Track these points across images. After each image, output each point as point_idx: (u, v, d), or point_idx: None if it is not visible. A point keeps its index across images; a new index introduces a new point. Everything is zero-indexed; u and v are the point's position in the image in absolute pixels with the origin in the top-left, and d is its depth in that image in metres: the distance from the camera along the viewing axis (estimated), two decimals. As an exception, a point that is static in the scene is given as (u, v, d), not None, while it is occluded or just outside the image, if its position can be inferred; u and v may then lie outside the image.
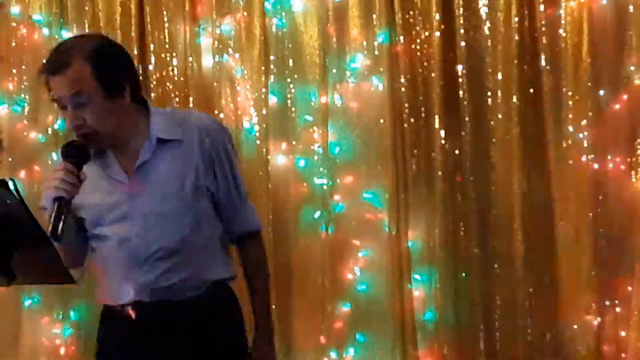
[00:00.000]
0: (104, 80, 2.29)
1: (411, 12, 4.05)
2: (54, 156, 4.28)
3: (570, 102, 3.92)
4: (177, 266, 2.40)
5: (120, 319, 2.44)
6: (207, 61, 4.25)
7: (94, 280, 2.60)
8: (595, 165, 3.90)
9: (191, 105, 4.18)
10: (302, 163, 4.15)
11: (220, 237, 2.51)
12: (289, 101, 4.16)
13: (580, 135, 3.91)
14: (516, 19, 3.94)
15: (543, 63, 3.96)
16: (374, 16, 4.08)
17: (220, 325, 2.46)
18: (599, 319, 3.88)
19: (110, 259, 2.44)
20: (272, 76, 4.16)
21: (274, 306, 4.01)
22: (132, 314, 2.41)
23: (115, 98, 2.32)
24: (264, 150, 4.10)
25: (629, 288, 3.87)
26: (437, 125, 4.01)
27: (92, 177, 2.38)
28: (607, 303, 3.87)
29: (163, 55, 4.23)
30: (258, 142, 4.13)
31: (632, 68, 3.88)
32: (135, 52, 4.20)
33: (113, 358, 2.49)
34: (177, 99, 4.19)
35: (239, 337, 2.53)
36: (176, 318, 2.40)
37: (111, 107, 2.31)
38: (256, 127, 4.12)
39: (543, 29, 3.95)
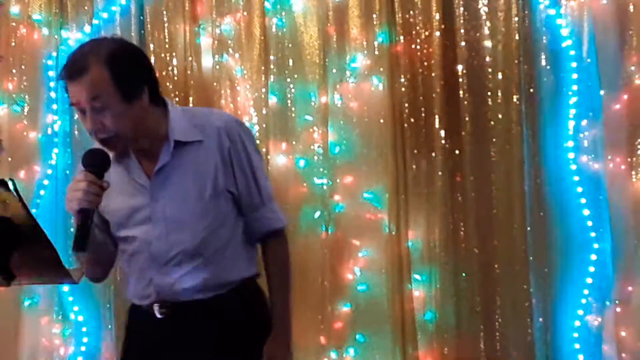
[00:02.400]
0: (122, 84, 2.27)
1: (411, 12, 4.06)
2: (54, 156, 4.29)
3: (570, 102, 3.93)
4: (197, 268, 2.40)
5: (145, 316, 2.46)
6: (207, 61, 4.25)
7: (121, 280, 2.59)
8: (595, 165, 3.90)
9: (191, 105, 4.18)
10: (302, 163, 4.15)
11: (243, 236, 2.49)
12: (289, 101, 4.16)
13: (581, 135, 3.91)
14: (516, 19, 3.95)
15: (543, 63, 3.96)
16: (374, 16, 4.08)
17: (241, 323, 2.44)
18: (599, 319, 3.88)
19: (134, 260, 2.45)
20: (272, 76, 4.16)
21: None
22: (156, 312, 2.42)
23: (133, 101, 2.29)
24: (264, 150, 4.10)
25: (629, 288, 3.87)
26: (437, 125, 4.01)
27: (117, 180, 2.38)
28: (607, 303, 3.87)
29: (163, 55, 4.23)
30: (258, 142, 4.12)
31: (633, 68, 3.88)
32: (135, 52, 4.19)
33: (137, 353, 2.50)
34: (177, 99, 4.19)
35: (258, 335, 2.48)
36: (197, 317, 2.41)
37: (130, 111, 2.29)
38: (256, 127, 4.12)
39: (543, 29, 3.96)
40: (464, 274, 4.01)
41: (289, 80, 4.16)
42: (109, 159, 2.31)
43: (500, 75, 3.96)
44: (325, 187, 4.11)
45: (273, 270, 2.52)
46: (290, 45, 4.17)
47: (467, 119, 3.99)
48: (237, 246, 2.47)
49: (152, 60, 4.20)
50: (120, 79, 2.26)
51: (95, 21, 4.30)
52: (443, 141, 4.01)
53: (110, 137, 2.30)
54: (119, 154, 2.40)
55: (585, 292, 3.89)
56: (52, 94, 4.33)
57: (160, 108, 2.41)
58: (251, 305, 2.48)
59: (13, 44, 4.33)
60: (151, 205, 2.39)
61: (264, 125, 4.13)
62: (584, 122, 3.91)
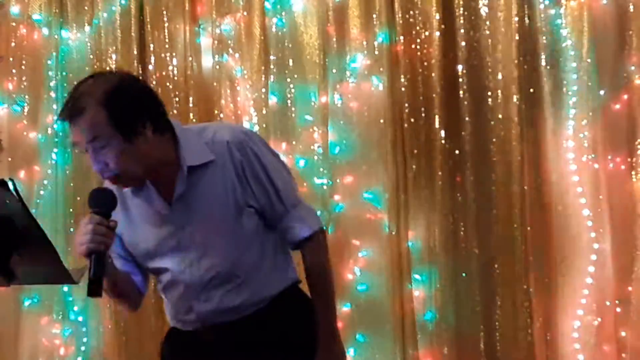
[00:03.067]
0: (120, 123, 2.21)
1: (411, 12, 4.05)
2: (54, 156, 4.29)
3: (570, 102, 3.93)
4: (235, 289, 2.37)
5: (189, 340, 2.44)
6: (207, 61, 4.25)
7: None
8: (595, 165, 3.90)
9: (191, 105, 4.18)
10: (302, 163, 4.15)
11: (276, 246, 2.43)
12: (289, 101, 4.16)
13: (581, 135, 3.91)
14: (516, 19, 3.94)
15: (543, 63, 3.96)
16: (374, 16, 4.08)
17: (286, 333, 2.41)
18: (599, 319, 3.88)
19: (171, 289, 2.43)
20: (272, 76, 4.16)
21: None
22: (199, 334, 2.41)
23: (134, 138, 2.24)
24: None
25: (629, 288, 3.87)
26: (437, 125, 4.01)
27: (139, 211, 2.37)
28: (607, 303, 3.87)
29: (163, 55, 4.23)
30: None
31: (632, 68, 3.87)
32: (135, 52, 4.20)
33: None
34: (177, 99, 4.19)
35: (305, 341, 2.42)
36: (241, 333, 2.38)
37: (132, 149, 2.24)
38: (256, 127, 4.12)
39: (543, 29, 3.96)
40: (464, 274, 4.01)
41: (289, 80, 4.16)
42: (115, 197, 2.27)
43: (500, 75, 3.96)
44: (325, 187, 4.11)
45: (310, 279, 2.46)
46: (290, 45, 4.17)
47: (467, 119, 3.99)
48: (272, 259, 2.42)
49: (152, 60, 4.22)
50: (119, 119, 2.21)
51: (95, 21, 4.31)
52: (443, 141, 4.01)
53: (116, 175, 2.27)
54: (134, 188, 2.36)
55: (585, 292, 3.88)
56: (52, 94, 4.33)
57: (168, 135, 2.33)
58: (295, 314, 2.44)
59: (13, 44, 4.34)
60: (177, 233, 2.35)
61: (264, 125, 4.13)
62: (584, 122, 3.91)
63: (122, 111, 2.23)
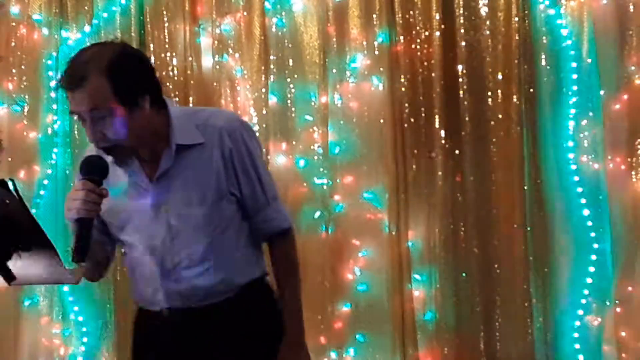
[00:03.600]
0: (122, 94, 2.22)
1: (411, 12, 4.06)
2: (54, 156, 4.29)
3: (570, 102, 3.93)
4: (205, 273, 2.37)
5: (155, 321, 2.44)
6: (207, 61, 4.25)
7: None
8: (596, 165, 3.90)
9: (191, 105, 4.18)
10: (302, 163, 4.15)
11: (249, 237, 2.46)
12: (289, 101, 4.16)
13: (581, 135, 3.91)
14: (516, 19, 3.95)
15: (543, 63, 3.96)
16: (374, 16, 4.08)
17: (253, 325, 2.43)
18: (599, 319, 3.88)
19: (139, 266, 2.43)
20: (272, 76, 4.16)
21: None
22: (167, 318, 2.40)
23: (134, 110, 2.25)
24: (264, 150, 4.10)
25: (629, 288, 3.87)
26: (437, 125, 4.01)
27: (119, 182, 2.36)
28: (607, 303, 3.87)
29: (163, 55, 4.23)
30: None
31: (632, 68, 3.88)
32: (135, 52, 4.20)
33: (148, 358, 2.49)
34: (177, 99, 4.19)
35: (270, 335, 2.45)
36: (208, 321, 2.39)
37: (130, 120, 2.24)
38: (256, 127, 4.12)
39: (543, 29, 3.96)
40: (464, 274, 4.01)
41: (289, 80, 4.16)
42: (107, 165, 2.28)
43: (500, 75, 3.96)
44: (325, 187, 4.11)
45: (280, 271, 2.49)
46: (290, 45, 4.17)
47: (467, 119, 3.99)
48: (244, 248, 2.44)
49: (152, 60, 4.20)
50: (121, 89, 2.22)
51: (95, 21, 4.30)
52: (443, 141, 4.01)
53: (112, 145, 2.27)
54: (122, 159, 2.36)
55: (585, 292, 3.89)
56: (52, 94, 4.33)
57: (162, 111, 2.36)
58: (261, 306, 2.46)
59: (13, 44, 4.33)
60: (153, 210, 2.36)
61: (264, 125, 4.13)
62: (584, 122, 3.91)
63: (125, 82, 2.23)
